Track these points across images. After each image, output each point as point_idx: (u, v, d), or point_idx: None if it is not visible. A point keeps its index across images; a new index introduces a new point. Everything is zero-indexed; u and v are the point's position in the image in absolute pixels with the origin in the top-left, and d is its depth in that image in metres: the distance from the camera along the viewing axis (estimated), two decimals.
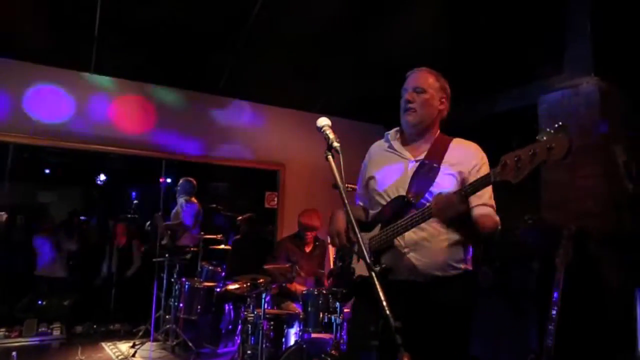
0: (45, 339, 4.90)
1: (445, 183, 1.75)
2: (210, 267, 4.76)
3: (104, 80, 4.82)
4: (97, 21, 3.98)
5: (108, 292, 5.94)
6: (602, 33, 3.77)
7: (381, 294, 1.16)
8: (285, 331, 3.53)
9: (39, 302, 5.45)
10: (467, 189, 1.53)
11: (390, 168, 1.88)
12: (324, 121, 1.64)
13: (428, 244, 1.74)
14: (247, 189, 6.83)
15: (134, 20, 4.08)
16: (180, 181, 5.61)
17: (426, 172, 1.78)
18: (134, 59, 4.61)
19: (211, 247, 5.23)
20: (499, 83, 4.51)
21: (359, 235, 1.35)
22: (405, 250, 1.74)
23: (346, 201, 1.39)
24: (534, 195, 4.10)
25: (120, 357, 4.41)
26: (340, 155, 1.51)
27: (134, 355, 4.37)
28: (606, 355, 3.10)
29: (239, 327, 3.76)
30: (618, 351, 3.01)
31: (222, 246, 5.19)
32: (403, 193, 1.78)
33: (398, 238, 1.73)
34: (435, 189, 1.73)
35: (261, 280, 3.50)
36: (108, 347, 4.73)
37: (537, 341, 2.98)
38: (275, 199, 5.83)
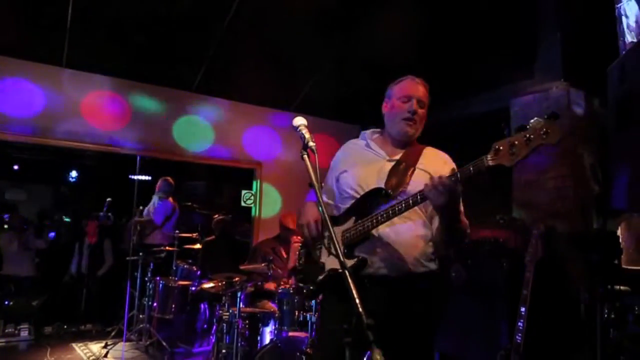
0: (13, 340, 4.76)
1: (420, 181, 1.76)
2: (185, 266, 4.72)
3: (76, 75, 4.70)
4: (69, 14, 3.88)
5: (79, 292, 5.80)
6: (572, 40, 3.91)
7: (354, 291, 1.17)
8: (261, 330, 3.53)
9: (6, 303, 5.28)
10: (459, 174, 1.53)
11: (366, 164, 1.89)
12: (299, 120, 1.66)
13: (402, 238, 1.75)
14: (224, 187, 6.78)
15: (108, 15, 4.00)
16: (159, 181, 5.58)
17: (402, 170, 1.82)
18: (107, 54, 4.51)
19: (186, 246, 5.18)
20: (471, 86, 4.61)
21: (332, 230, 1.36)
22: (380, 243, 1.74)
23: (321, 199, 1.41)
24: (505, 195, 4.21)
25: (91, 358, 4.32)
26: (316, 154, 1.53)
27: (105, 356, 4.29)
28: (571, 349, 3.21)
29: (214, 326, 3.73)
30: (581, 345, 3.12)
31: (198, 245, 5.14)
32: (381, 185, 1.79)
33: (373, 231, 1.73)
34: (411, 186, 1.75)
35: (236, 279, 3.49)
36: (79, 348, 4.62)
37: (507, 338, 3.06)
38: (252, 197, 5.81)
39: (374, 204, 1.76)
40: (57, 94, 4.58)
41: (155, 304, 4.43)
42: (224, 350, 3.43)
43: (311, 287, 1.88)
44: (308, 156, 1.54)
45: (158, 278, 4.51)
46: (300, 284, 2.07)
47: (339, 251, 1.30)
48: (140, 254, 4.66)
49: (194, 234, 5.33)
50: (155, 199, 5.45)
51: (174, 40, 4.40)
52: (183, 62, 4.78)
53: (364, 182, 1.84)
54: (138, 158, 5.38)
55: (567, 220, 3.69)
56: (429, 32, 4.16)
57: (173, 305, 4.37)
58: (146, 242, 5.29)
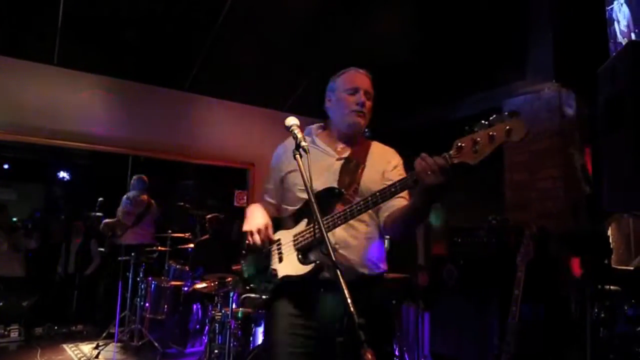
0: (2, 342, 4.71)
1: (371, 179, 1.76)
2: (177, 266, 4.70)
3: (68, 74, 4.66)
4: (60, 12, 3.85)
5: (70, 292, 5.75)
6: (563, 42, 3.95)
7: (346, 291, 1.16)
8: (253, 330, 3.51)
9: None
10: (450, 154, 1.41)
11: (314, 163, 1.72)
12: (292, 120, 1.65)
13: (356, 241, 1.70)
14: (217, 187, 6.75)
15: (100, 13, 3.97)
16: (132, 179, 5.45)
17: (353, 168, 1.76)
18: (99, 53, 4.48)
19: (179, 246, 5.15)
20: (464, 87, 4.64)
21: (323, 229, 1.33)
22: (336, 246, 1.64)
23: (313, 200, 1.40)
24: (498, 196, 4.24)
25: (82, 359, 4.29)
26: (309, 154, 1.52)
27: (97, 357, 4.25)
28: (561, 348, 3.24)
29: (207, 326, 3.72)
30: (572, 344, 3.15)
31: (191, 245, 5.11)
32: (333, 185, 1.71)
33: (329, 234, 1.62)
34: (363, 184, 1.72)
35: (229, 279, 3.47)
36: (70, 349, 4.58)
37: (499, 337, 3.08)
38: (245, 197, 5.79)
39: (327, 204, 1.65)
40: (48, 93, 4.54)
41: (147, 305, 4.41)
42: (216, 351, 3.41)
43: (263, 297, 1.76)
44: (300, 156, 1.53)
45: (150, 278, 4.48)
46: (251, 295, 1.82)
47: (331, 253, 1.27)
48: (132, 254, 4.62)
49: (187, 234, 5.30)
50: (123, 198, 5.36)
51: (166, 39, 4.38)
52: (175, 61, 4.76)
53: (317, 183, 1.68)
54: (130, 158, 5.35)
55: (558, 221, 3.72)
56: (423, 33, 4.18)
57: (165, 306, 4.35)
58: (124, 242, 5.17)
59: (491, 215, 3.67)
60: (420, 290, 3.78)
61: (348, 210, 1.58)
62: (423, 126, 5.07)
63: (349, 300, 1.15)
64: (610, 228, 3.69)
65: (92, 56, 4.53)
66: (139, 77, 4.95)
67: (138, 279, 4.61)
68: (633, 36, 2.87)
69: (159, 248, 4.96)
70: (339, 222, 1.59)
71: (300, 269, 1.63)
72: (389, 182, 1.65)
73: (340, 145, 1.85)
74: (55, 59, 4.48)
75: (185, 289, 4.41)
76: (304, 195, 1.73)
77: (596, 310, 2.90)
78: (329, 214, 1.62)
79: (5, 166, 7.49)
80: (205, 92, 5.33)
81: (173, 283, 4.45)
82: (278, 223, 1.78)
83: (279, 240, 1.74)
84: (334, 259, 1.26)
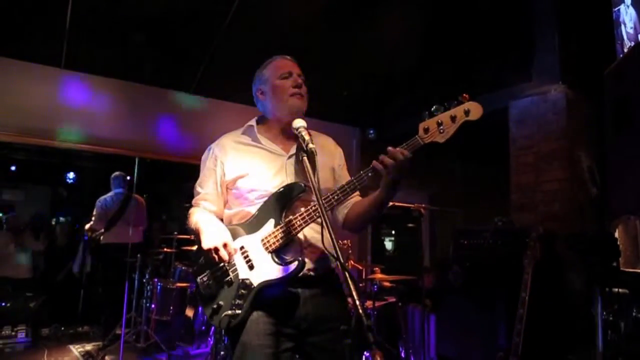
0: (10, 342, 4.74)
1: (325, 173, 1.77)
2: (183, 268, 4.71)
3: (75, 77, 4.69)
4: (68, 15, 3.88)
5: (77, 293, 5.78)
6: (569, 43, 3.94)
7: (354, 292, 1.15)
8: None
9: (3, 304, 5.26)
10: (405, 145, 1.55)
11: (263, 164, 1.73)
12: (299, 122, 1.65)
13: (324, 234, 1.65)
14: None
15: (107, 15, 4.00)
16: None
17: (303, 165, 1.66)
18: (106, 55, 4.51)
19: (185, 247, 5.16)
20: (470, 89, 4.62)
21: (329, 229, 1.33)
22: (306, 243, 1.66)
23: (321, 202, 1.40)
24: (504, 198, 4.23)
25: None
26: (316, 156, 1.52)
27: (103, 358, 4.27)
28: (568, 350, 3.22)
29: (212, 327, 3.73)
30: (579, 347, 3.13)
31: (196, 247, 5.11)
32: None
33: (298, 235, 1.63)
34: (320, 180, 1.67)
35: None
36: (76, 350, 4.61)
37: (505, 339, 3.06)
38: None
39: (290, 201, 1.64)
40: (56, 95, 4.58)
41: (153, 306, 4.42)
42: (222, 352, 3.42)
43: (237, 312, 1.58)
44: (308, 158, 1.53)
45: (156, 280, 4.50)
46: (223, 313, 1.57)
47: (338, 252, 1.26)
48: (139, 255, 4.64)
49: (192, 236, 5.30)
50: (97, 202, 5.22)
51: (173, 42, 4.40)
52: (182, 63, 4.78)
53: (269, 184, 1.69)
54: (137, 159, 5.38)
55: (565, 223, 3.71)
56: (428, 34, 4.18)
57: (171, 307, 4.36)
58: (106, 242, 5.09)
59: (497, 217, 3.65)
60: (426, 292, 3.77)
61: (325, 203, 1.54)
62: None
63: (357, 302, 1.13)
64: (617, 230, 3.67)
65: (99, 59, 4.56)
66: (145, 80, 4.97)
67: (144, 280, 4.64)
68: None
69: (165, 249, 4.97)
70: (316, 215, 1.59)
71: (281, 271, 1.59)
72: (341, 179, 1.78)
73: (284, 141, 1.80)
74: (62, 62, 4.52)
75: (191, 290, 4.42)
76: (261, 200, 1.69)
77: (604, 313, 2.88)
78: (294, 212, 1.62)
79: (13, 168, 7.54)
80: (212, 94, 5.35)
81: (179, 284, 4.47)
82: (233, 230, 1.68)
83: (242, 247, 1.67)
84: (341, 260, 1.24)
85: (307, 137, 1.58)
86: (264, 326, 1.59)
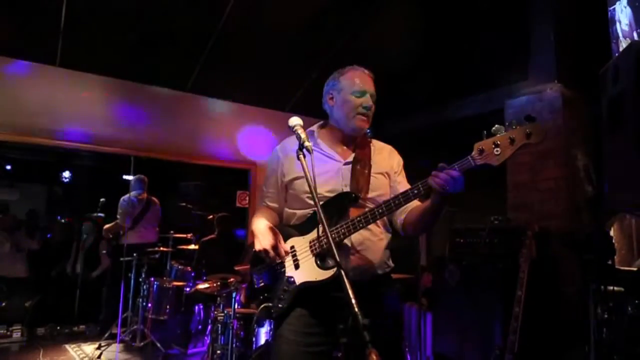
0: (4, 342, 4.73)
1: (379, 182, 1.80)
2: (179, 267, 4.70)
3: (70, 75, 4.66)
4: (63, 13, 3.86)
5: (72, 293, 5.76)
6: (565, 42, 3.95)
7: (350, 292, 1.16)
8: (256, 330, 3.52)
9: None
10: (456, 167, 1.51)
11: (321, 167, 1.75)
12: (295, 120, 1.65)
13: (372, 243, 1.74)
14: (218, 187, 6.76)
15: (102, 14, 3.98)
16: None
17: (361, 171, 1.78)
18: (101, 54, 4.49)
19: (181, 246, 5.15)
20: (467, 88, 4.64)
21: (329, 235, 1.33)
22: (353, 250, 1.70)
23: (317, 200, 1.40)
24: (500, 196, 4.24)
25: (84, 359, 4.29)
26: (312, 154, 1.52)
27: (99, 357, 4.26)
28: (564, 348, 3.24)
29: (209, 327, 3.72)
30: (574, 344, 3.15)
31: (192, 246, 5.11)
32: (347, 190, 1.73)
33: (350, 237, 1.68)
34: (372, 188, 1.76)
35: (231, 280, 3.48)
36: (72, 349, 4.60)
37: (501, 337, 3.07)
38: (247, 198, 5.80)
39: (342, 209, 1.69)
40: (51, 94, 4.55)
41: (149, 305, 4.41)
42: (218, 351, 3.42)
43: (279, 305, 1.71)
44: (304, 156, 1.53)
45: (152, 279, 4.48)
46: (268, 304, 1.79)
47: (336, 256, 1.28)
48: (135, 254, 4.63)
49: (189, 235, 5.30)
50: (121, 200, 5.33)
51: (168, 40, 4.39)
52: (178, 61, 4.76)
53: (326, 187, 1.73)
54: (132, 158, 5.36)
55: (561, 221, 3.72)
56: (425, 34, 4.18)
57: (167, 306, 4.36)
58: (127, 242, 5.12)
59: (493, 215, 3.66)
60: (423, 290, 3.78)
61: (369, 214, 1.60)
62: (425, 127, 5.07)
63: (353, 301, 1.14)
64: (612, 229, 3.69)
65: (94, 57, 4.53)
66: (141, 78, 4.95)
67: (140, 279, 4.62)
68: (635, 36, 2.87)
69: (161, 248, 4.96)
70: (360, 226, 1.62)
71: (321, 274, 1.63)
72: (397, 184, 1.79)
73: (343, 147, 1.87)
74: (57, 60, 4.49)
75: (187, 289, 4.41)
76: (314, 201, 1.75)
77: (599, 311, 2.90)
78: (345, 219, 1.65)
79: (8, 167, 7.51)
80: (208, 93, 5.34)
81: (175, 283, 4.46)
82: (286, 231, 1.78)
83: (292, 247, 1.75)
84: (338, 261, 1.27)
85: (303, 136, 1.58)
86: (304, 324, 1.68)
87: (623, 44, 2.94)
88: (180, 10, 4.04)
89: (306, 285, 1.66)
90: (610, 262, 3.08)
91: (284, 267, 1.74)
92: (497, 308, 3.24)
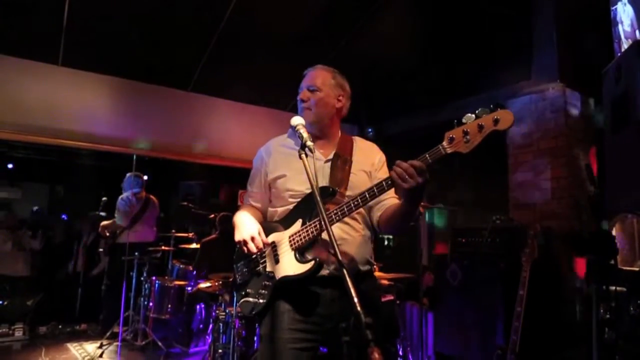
0: (6, 340, 4.73)
1: (359, 178, 1.80)
2: (181, 266, 4.70)
3: (72, 74, 4.67)
4: (65, 12, 3.87)
5: (74, 292, 5.77)
6: (567, 42, 3.94)
7: (353, 290, 1.15)
8: (258, 330, 3.52)
9: (0, 302, 5.25)
10: (427, 157, 1.49)
11: (300, 167, 1.68)
12: (297, 120, 1.67)
13: (352, 238, 1.74)
14: (220, 187, 6.76)
15: (105, 13, 3.98)
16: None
17: (341, 166, 1.80)
18: (103, 53, 4.50)
19: (182, 245, 5.15)
20: (469, 87, 4.63)
21: (326, 222, 1.34)
22: (332, 245, 1.65)
23: (319, 198, 1.40)
24: (502, 196, 4.24)
25: (86, 358, 4.30)
26: (314, 153, 1.53)
27: (101, 356, 4.27)
28: (566, 348, 3.23)
29: (211, 326, 3.73)
30: (576, 344, 3.14)
31: (194, 245, 5.11)
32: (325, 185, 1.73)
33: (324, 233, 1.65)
34: (352, 181, 1.76)
35: (233, 279, 3.47)
36: (74, 348, 4.60)
37: (503, 337, 3.07)
38: None
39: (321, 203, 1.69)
40: (53, 93, 4.56)
41: (151, 304, 4.42)
42: (220, 350, 3.42)
43: (260, 301, 1.71)
44: (306, 155, 1.54)
45: (154, 278, 4.49)
46: (248, 299, 1.74)
47: (336, 250, 1.27)
48: (136, 253, 4.63)
49: (190, 234, 5.30)
50: (119, 199, 5.28)
51: (170, 39, 4.39)
52: (180, 61, 4.77)
53: (306, 185, 1.65)
54: (134, 157, 5.37)
55: (563, 221, 3.72)
56: (426, 34, 4.18)
57: (169, 305, 4.36)
58: (125, 241, 5.11)
59: (495, 215, 3.66)
60: (424, 290, 3.77)
61: (345, 207, 1.60)
62: (427, 127, 5.07)
63: (355, 300, 1.13)
64: (615, 228, 3.68)
65: (96, 56, 4.54)
66: (143, 77, 4.96)
67: (142, 278, 4.63)
68: (637, 36, 2.86)
69: (163, 248, 4.97)
70: (336, 219, 1.61)
71: (299, 268, 1.64)
72: (376, 180, 1.74)
73: (321, 144, 1.86)
74: (60, 59, 4.50)
75: (189, 288, 4.42)
76: (295, 200, 1.78)
77: (601, 310, 2.89)
78: (335, 207, 1.63)
79: (10, 166, 7.51)
80: (209, 92, 5.34)
81: (177, 282, 4.46)
82: (268, 227, 1.79)
83: (273, 242, 1.76)
84: (339, 258, 1.26)
85: (305, 135, 1.59)
86: (289, 321, 1.67)
87: (625, 45, 2.93)
88: (182, 9, 4.04)
89: (285, 279, 1.67)
90: (612, 262, 3.07)
91: (265, 262, 1.76)
92: (498, 307, 3.23)
